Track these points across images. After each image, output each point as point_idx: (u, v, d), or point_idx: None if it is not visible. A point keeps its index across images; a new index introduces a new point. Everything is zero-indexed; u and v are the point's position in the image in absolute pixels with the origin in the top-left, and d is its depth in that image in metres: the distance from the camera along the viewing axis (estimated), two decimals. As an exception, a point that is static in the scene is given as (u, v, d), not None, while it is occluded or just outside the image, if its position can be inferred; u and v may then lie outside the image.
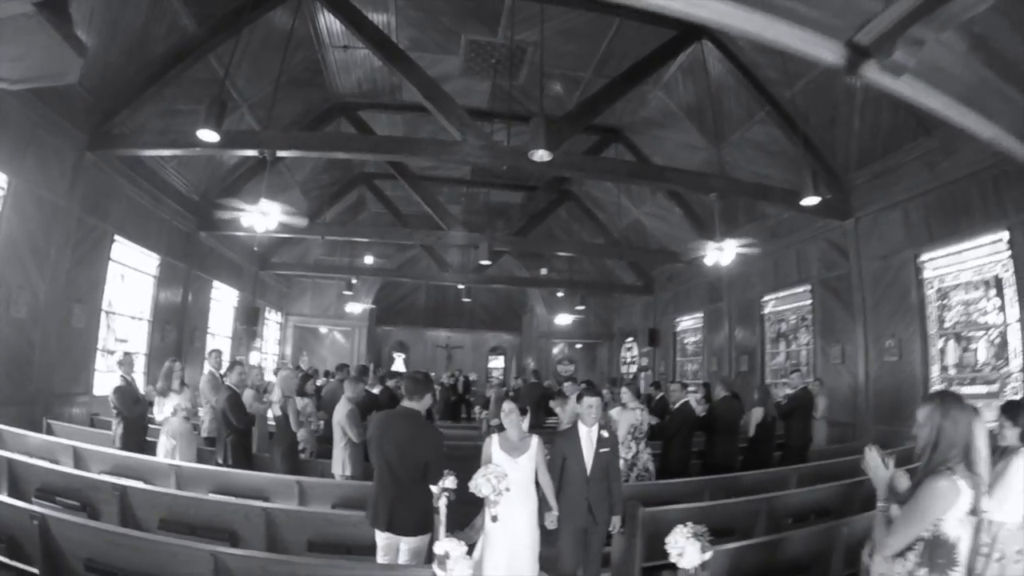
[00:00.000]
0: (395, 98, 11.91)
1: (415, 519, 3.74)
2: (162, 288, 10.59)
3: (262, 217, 7.83)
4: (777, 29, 2.87)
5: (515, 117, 11.03)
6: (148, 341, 10.19)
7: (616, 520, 4.48)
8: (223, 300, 14.10)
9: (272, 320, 18.55)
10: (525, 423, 4.34)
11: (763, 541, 4.07)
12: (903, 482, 2.50)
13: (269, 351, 18.16)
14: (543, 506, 4.30)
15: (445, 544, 2.64)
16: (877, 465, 2.53)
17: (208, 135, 6.15)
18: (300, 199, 13.76)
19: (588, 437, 4.47)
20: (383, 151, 9.59)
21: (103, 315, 8.89)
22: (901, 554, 2.35)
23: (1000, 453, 3.57)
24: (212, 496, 4.56)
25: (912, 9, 2.48)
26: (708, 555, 3.30)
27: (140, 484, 4.63)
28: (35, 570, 3.52)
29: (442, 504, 3.59)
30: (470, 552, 3.23)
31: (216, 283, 13.34)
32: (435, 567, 2.69)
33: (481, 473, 3.78)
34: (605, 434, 4.52)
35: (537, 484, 4.33)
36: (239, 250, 14.24)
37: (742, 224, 12.37)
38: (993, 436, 3.51)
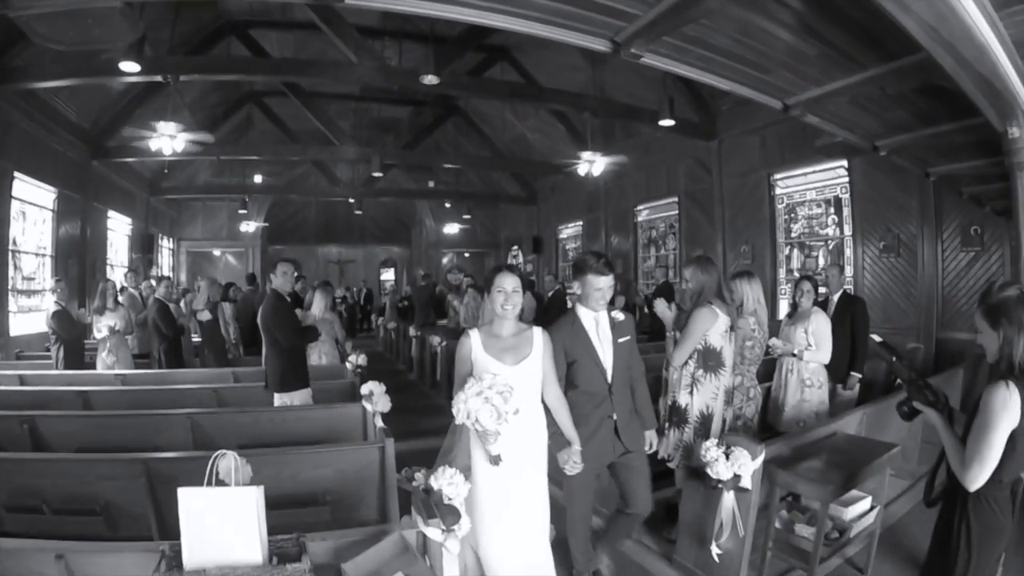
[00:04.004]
0: (286, 15, 11.77)
1: (273, 377, 4.75)
2: (61, 222, 10.51)
3: (169, 140, 8.11)
4: (561, 33, 4.19)
5: (406, 35, 11.44)
6: (55, 278, 10.16)
7: (651, 437, 3.33)
8: (118, 230, 13.92)
9: (165, 247, 18.24)
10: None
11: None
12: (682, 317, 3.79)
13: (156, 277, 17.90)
14: (556, 440, 2.95)
15: (370, 385, 3.67)
16: (664, 309, 3.83)
17: (130, 66, 6.32)
18: (190, 121, 13.51)
19: (599, 326, 3.14)
20: (282, 73, 9.94)
21: (9, 255, 8.88)
22: (685, 363, 3.66)
23: (794, 310, 4.91)
24: (167, 386, 5.24)
25: (637, 30, 3.99)
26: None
27: (99, 387, 5.23)
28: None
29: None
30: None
31: (111, 213, 13.18)
32: (363, 402, 3.74)
33: (474, 390, 2.43)
34: (620, 316, 3.20)
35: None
36: (130, 177, 13.97)
37: (619, 140, 13.45)
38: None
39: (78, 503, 3.08)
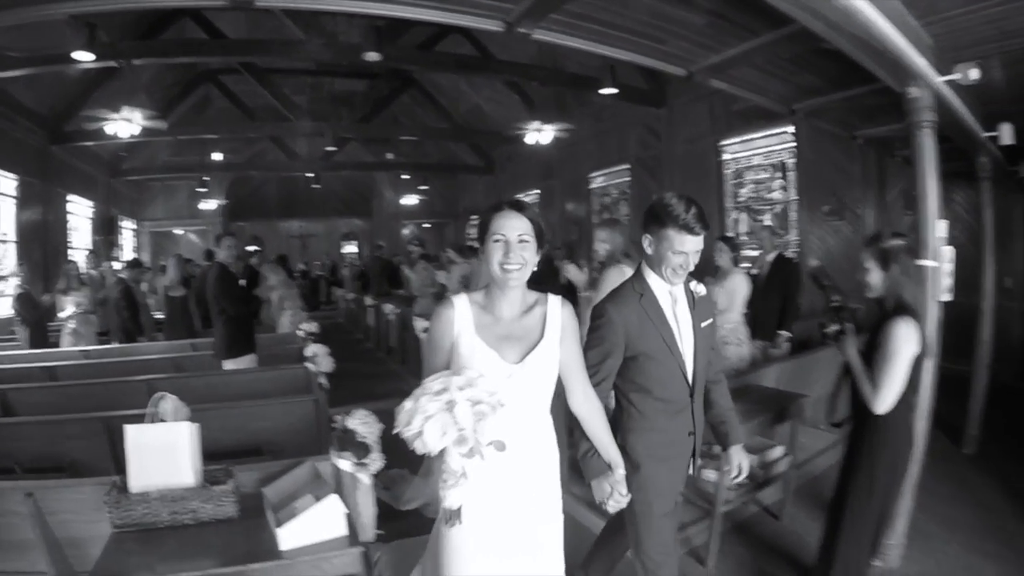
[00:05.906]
0: (238, -7, 11.79)
1: (222, 344, 5.11)
2: (23, 208, 10.63)
3: (126, 124, 8.28)
4: (456, 18, 4.53)
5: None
6: (17, 262, 10.26)
7: (739, 455, 2.41)
8: (79, 213, 13.98)
9: (127, 228, 18.26)
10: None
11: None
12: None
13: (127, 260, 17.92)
14: (589, 462, 2.12)
15: (313, 347, 4.05)
16: (576, 272, 4.26)
17: (84, 55, 6.46)
18: (146, 102, 13.50)
19: (676, 304, 2.24)
20: (235, 53, 10.01)
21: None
22: None
23: (717, 271, 5.15)
24: (128, 357, 5.59)
25: (523, 10, 4.36)
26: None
27: (65, 362, 5.54)
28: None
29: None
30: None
31: (72, 196, 13.28)
32: (307, 364, 4.12)
33: (436, 385, 1.58)
34: (701, 290, 2.33)
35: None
36: (90, 161, 13.98)
37: (572, 108, 13.62)
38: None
39: (47, 461, 3.45)
